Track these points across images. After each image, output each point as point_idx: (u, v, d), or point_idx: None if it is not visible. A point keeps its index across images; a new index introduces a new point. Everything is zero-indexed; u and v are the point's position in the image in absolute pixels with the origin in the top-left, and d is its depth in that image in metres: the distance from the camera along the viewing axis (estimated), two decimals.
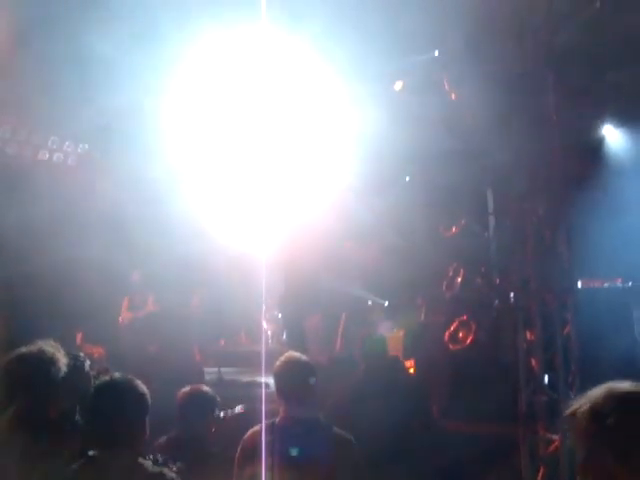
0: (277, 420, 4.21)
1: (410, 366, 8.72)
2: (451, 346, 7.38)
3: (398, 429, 6.00)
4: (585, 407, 2.14)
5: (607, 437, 2.09)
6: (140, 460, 3.46)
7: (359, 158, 9.17)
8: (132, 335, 11.77)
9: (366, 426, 5.71)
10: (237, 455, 4.20)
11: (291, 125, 9.19)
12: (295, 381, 4.23)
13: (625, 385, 2.21)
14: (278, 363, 4.35)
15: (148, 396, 3.59)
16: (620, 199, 9.38)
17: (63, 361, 4.00)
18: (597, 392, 2.17)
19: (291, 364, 4.32)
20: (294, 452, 3.90)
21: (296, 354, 4.46)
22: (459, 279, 7.27)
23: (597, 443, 2.10)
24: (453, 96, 6.95)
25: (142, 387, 3.61)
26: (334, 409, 6.23)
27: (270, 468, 3.89)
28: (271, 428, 4.14)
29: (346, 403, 6.28)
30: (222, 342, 12.66)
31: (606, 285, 9.12)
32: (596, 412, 2.12)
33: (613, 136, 10.78)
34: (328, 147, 9.35)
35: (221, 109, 8.68)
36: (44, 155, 11.66)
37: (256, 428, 4.23)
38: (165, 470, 3.51)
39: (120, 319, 12.03)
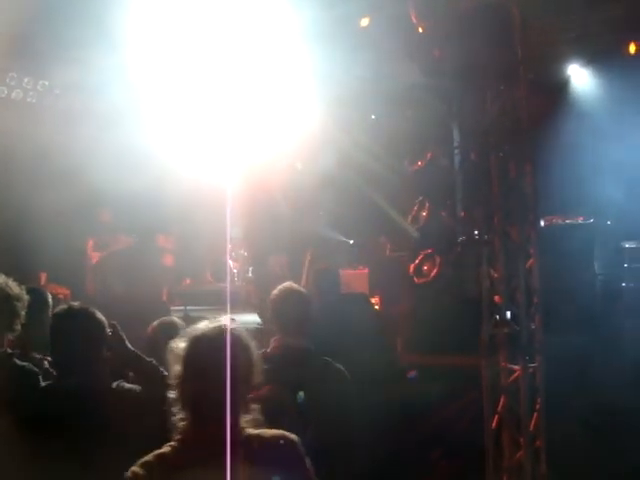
0: (269, 349, 4.25)
1: (376, 302, 8.82)
2: (416, 279, 7.46)
3: (357, 366, 6.07)
4: None
5: None
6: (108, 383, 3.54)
7: (324, 97, 9.09)
8: (99, 275, 11.73)
9: None
10: None
11: (254, 63, 9.06)
12: (292, 311, 4.25)
13: None
14: (276, 292, 4.37)
15: (106, 325, 3.65)
16: (584, 138, 9.48)
17: (19, 294, 3.99)
18: None
19: (289, 294, 4.35)
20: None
21: (294, 285, 4.48)
22: (424, 213, 7.30)
23: None
24: (420, 29, 6.89)
25: (100, 315, 3.67)
26: None
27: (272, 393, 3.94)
28: (264, 357, 4.17)
29: None
30: (187, 281, 12.69)
31: (568, 222, 9.28)
32: None
33: (579, 75, 10.85)
34: (292, 86, 9.25)
35: (183, 41, 8.51)
36: (2, 92, 11.39)
37: None
38: (135, 387, 3.64)
39: (86, 260, 11.97)
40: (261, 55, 8.95)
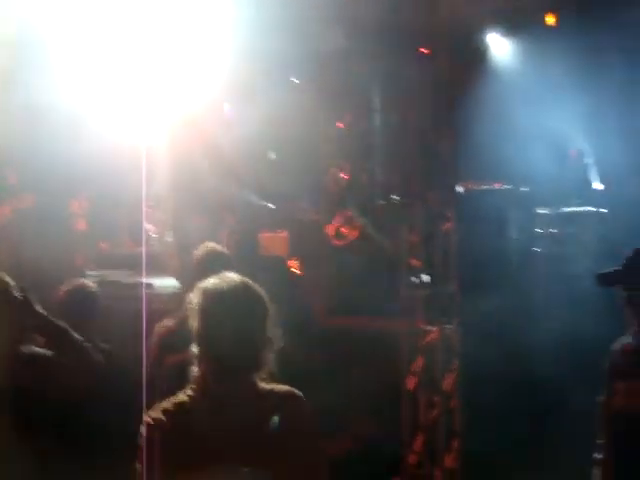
0: None
1: (296, 266, 8.80)
2: (335, 242, 7.47)
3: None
4: None
5: None
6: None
7: (247, 60, 8.94)
8: (7, 240, 11.36)
9: None
10: (153, 347, 4.19)
11: (170, 24, 8.81)
12: (215, 272, 4.18)
13: None
14: (199, 253, 4.30)
15: (12, 287, 3.57)
16: (502, 105, 9.62)
17: None
18: None
19: (212, 255, 4.28)
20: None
21: (217, 246, 4.43)
22: (344, 176, 7.30)
23: None
24: None
25: (7, 278, 3.58)
26: None
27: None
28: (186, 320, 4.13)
29: None
30: (104, 245, 12.39)
31: (485, 187, 9.45)
32: None
33: (498, 44, 11.03)
34: (213, 47, 9.06)
35: None
36: None
37: (168, 322, 4.21)
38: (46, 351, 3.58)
39: None
40: (182, 14, 8.71)
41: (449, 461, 6.25)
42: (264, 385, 2.54)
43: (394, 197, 6.96)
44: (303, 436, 2.51)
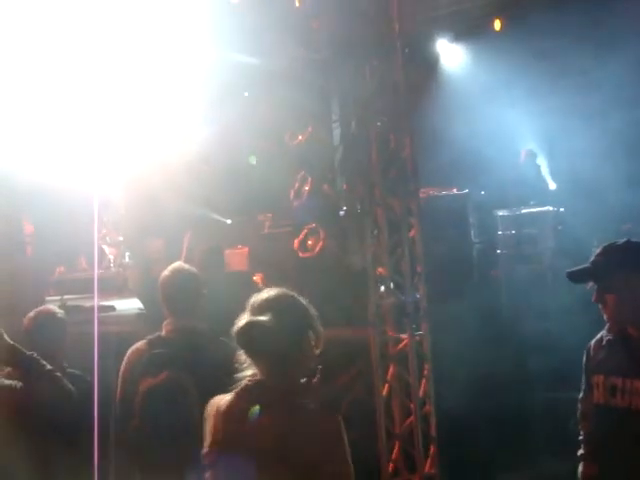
0: (163, 333, 4.12)
1: (259, 280, 8.75)
2: (301, 254, 7.41)
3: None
4: None
5: None
6: None
7: (199, 76, 8.87)
8: None
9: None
10: (123, 372, 4.10)
11: (128, 41, 8.69)
12: (184, 292, 4.13)
13: None
14: (166, 273, 4.23)
15: None
16: (457, 110, 9.75)
17: None
18: None
19: (180, 274, 4.21)
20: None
21: (184, 265, 4.36)
22: (306, 188, 7.27)
23: None
24: (297, 2, 6.84)
25: None
26: None
27: (171, 378, 3.92)
28: (159, 340, 4.09)
29: None
30: (61, 269, 12.17)
31: (444, 193, 9.54)
32: None
33: (450, 51, 11.23)
34: (162, 64, 8.96)
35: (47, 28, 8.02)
36: None
37: (139, 344, 4.14)
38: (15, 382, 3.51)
39: None
40: (130, 34, 8.60)
41: (427, 467, 6.24)
42: (302, 400, 2.67)
43: (357, 206, 6.95)
44: (326, 456, 2.57)
